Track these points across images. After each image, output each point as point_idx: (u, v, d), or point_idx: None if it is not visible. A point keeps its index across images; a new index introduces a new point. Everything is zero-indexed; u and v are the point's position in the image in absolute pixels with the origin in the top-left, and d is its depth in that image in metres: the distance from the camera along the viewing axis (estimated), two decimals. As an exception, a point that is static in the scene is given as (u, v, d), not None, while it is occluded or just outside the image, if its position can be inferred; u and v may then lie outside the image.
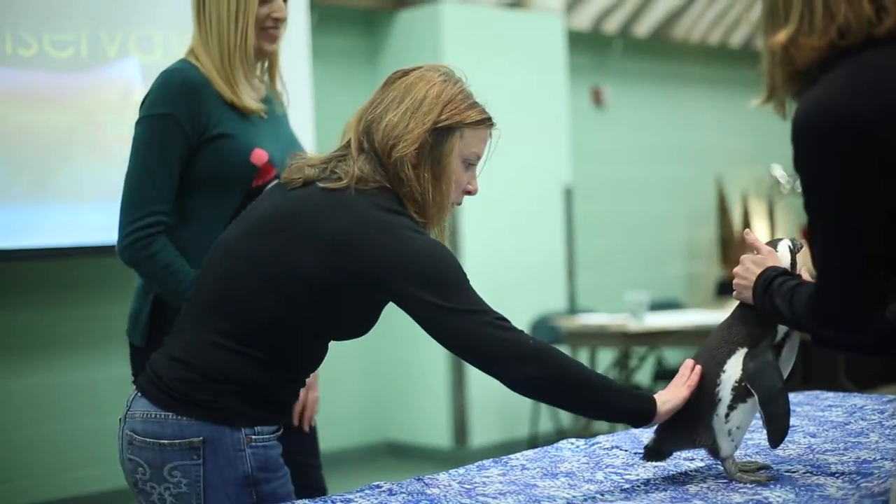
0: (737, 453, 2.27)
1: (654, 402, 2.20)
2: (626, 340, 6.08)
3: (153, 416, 2.19)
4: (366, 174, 2.21)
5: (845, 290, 1.85)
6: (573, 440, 2.67)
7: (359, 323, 2.29)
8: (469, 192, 2.35)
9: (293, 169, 2.29)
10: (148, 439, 2.19)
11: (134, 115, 2.79)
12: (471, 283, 2.18)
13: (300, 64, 5.74)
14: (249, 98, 2.79)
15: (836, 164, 1.79)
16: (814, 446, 2.46)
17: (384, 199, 2.20)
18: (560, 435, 6.31)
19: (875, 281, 1.83)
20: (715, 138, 9.09)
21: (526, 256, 6.98)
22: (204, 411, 2.17)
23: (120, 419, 2.28)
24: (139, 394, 2.24)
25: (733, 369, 2.16)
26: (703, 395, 2.19)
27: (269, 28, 2.81)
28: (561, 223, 7.23)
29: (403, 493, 2.21)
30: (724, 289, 8.50)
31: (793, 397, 3.00)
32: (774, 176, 9.15)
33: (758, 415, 2.17)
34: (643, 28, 8.25)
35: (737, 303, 2.24)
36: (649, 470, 2.35)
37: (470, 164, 2.31)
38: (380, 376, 6.78)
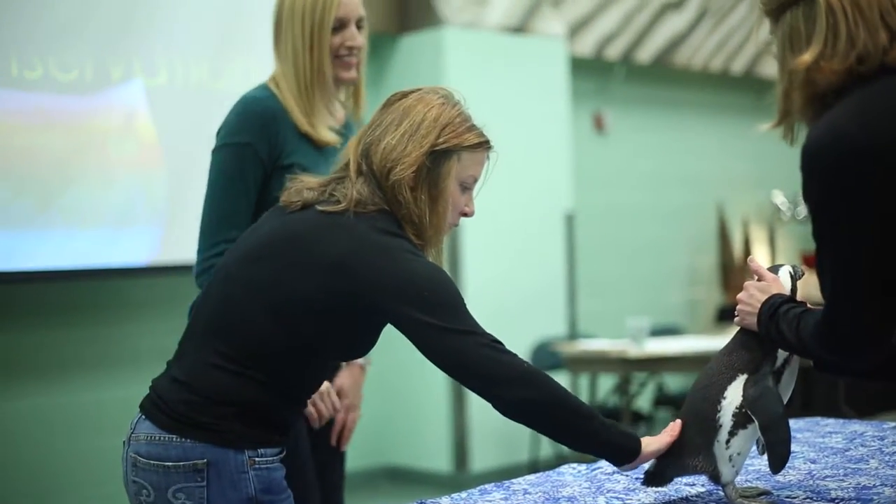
0: (737, 479, 2.27)
1: (639, 441, 2.21)
2: (627, 366, 6.08)
3: (157, 438, 2.20)
4: (364, 197, 2.22)
5: (855, 317, 1.86)
6: (574, 465, 2.67)
7: (359, 344, 2.30)
8: (465, 215, 2.35)
9: (292, 192, 2.30)
10: (152, 461, 2.19)
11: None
12: (467, 306, 2.19)
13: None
14: (325, 130, 2.80)
15: (846, 192, 1.81)
16: (814, 472, 2.47)
17: (383, 221, 2.21)
18: (560, 460, 6.30)
19: (884, 308, 1.84)
20: (716, 165, 9.12)
21: (527, 281, 6.99)
22: (207, 433, 2.18)
23: (124, 441, 2.28)
24: (143, 416, 2.25)
25: (734, 395, 2.17)
26: (704, 421, 2.19)
27: (344, 56, 2.82)
28: (562, 248, 7.24)
29: (406, 516, 2.21)
30: (725, 315, 8.51)
31: (793, 423, 3.00)
32: (775, 203, 9.18)
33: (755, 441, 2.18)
34: (645, 54, 8.28)
35: (736, 329, 2.25)
36: (650, 495, 2.36)
37: (466, 187, 2.32)
38: (380, 401, 6.78)
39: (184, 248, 5.36)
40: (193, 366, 2.23)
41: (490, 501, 2.36)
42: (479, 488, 2.46)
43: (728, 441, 2.16)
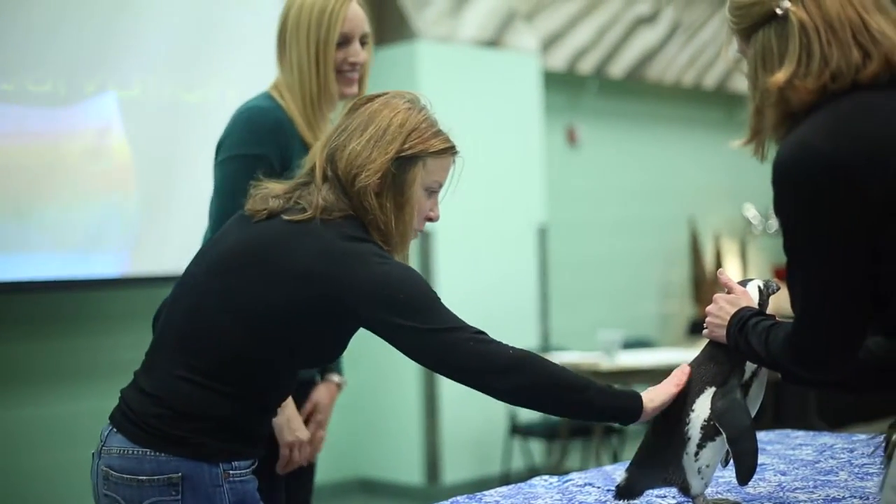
0: (707, 491, 2.29)
1: (640, 398, 2.20)
2: (599, 378, 6.07)
3: (130, 452, 2.18)
4: (330, 203, 2.21)
5: (825, 331, 1.87)
6: (546, 477, 2.68)
7: (331, 350, 2.30)
8: (431, 219, 2.34)
9: (257, 200, 2.28)
10: (125, 475, 2.18)
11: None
12: (442, 301, 2.19)
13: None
14: None
15: (817, 207, 1.82)
16: (784, 484, 2.48)
17: (350, 227, 2.20)
18: (532, 472, 6.31)
19: (854, 322, 1.86)
20: (688, 178, 9.16)
21: (500, 295, 7.00)
22: (181, 447, 2.16)
23: (94, 454, 2.26)
24: (114, 429, 2.23)
25: (702, 408, 2.18)
26: (673, 434, 2.21)
27: (347, 72, 2.81)
28: (534, 262, 7.26)
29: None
30: (697, 328, 8.54)
31: (763, 436, 3.02)
32: (747, 216, 9.22)
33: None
34: (618, 69, 8.31)
35: (706, 341, 2.26)
36: (621, 507, 2.37)
37: (432, 192, 2.31)
38: (352, 413, 6.77)
39: (159, 259, 5.36)
40: (163, 379, 2.21)
41: (462, 513, 2.37)
42: (450, 500, 2.46)
43: (697, 453, 2.18)
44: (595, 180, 8.45)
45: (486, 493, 2.54)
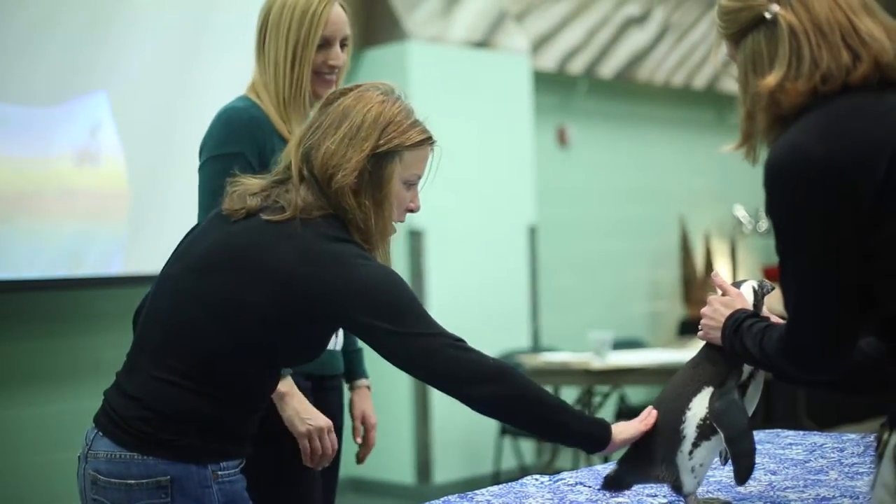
0: (699, 490, 2.30)
1: (609, 428, 2.22)
2: (590, 378, 6.10)
3: (118, 456, 2.17)
4: (309, 203, 2.20)
5: (819, 331, 1.88)
6: (537, 476, 2.68)
7: (312, 350, 2.29)
8: (411, 210, 2.32)
9: (234, 198, 2.27)
10: (113, 479, 2.17)
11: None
12: (423, 306, 2.19)
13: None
14: None
15: (809, 208, 1.83)
16: (774, 483, 2.49)
17: (330, 227, 2.20)
18: (523, 471, 6.32)
19: (848, 322, 1.87)
20: (678, 179, 9.17)
21: (490, 294, 7.01)
22: (169, 450, 2.16)
23: (80, 457, 2.25)
24: (99, 433, 2.22)
25: (699, 407, 2.19)
26: (668, 432, 2.22)
27: (325, 74, 2.79)
28: (525, 262, 7.26)
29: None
30: (687, 328, 8.56)
31: (754, 435, 3.03)
32: (737, 216, 9.23)
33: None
34: (608, 69, 8.32)
35: (701, 342, 2.27)
36: (613, 506, 2.38)
37: (411, 184, 2.29)
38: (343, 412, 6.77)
39: (152, 258, 5.35)
40: (145, 381, 2.20)
41: (454, 513, 2.37)
42: (442, 500, 2.47)
43: (691, 452, 2.19)
44: (585, 180, 8.46)
45: (477, 492, 2.54)
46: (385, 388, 6.74)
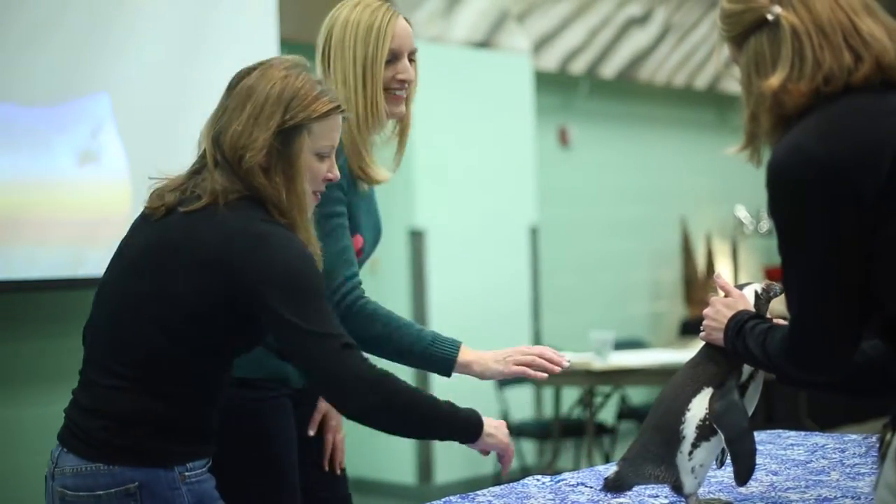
0: (700, 490, 2.29)
1: (480, 422, 2.33)
2: (591, 379, 6.10)
3: (84, 469, 2.16)
4: (225, 188, 2.19)
5: (822, 332, 1.88)
6: (539, 477, 2.68)
7: (253, 335, 2.28)
8: (330, 180, 2.31)
9: (153, 197, 2.27)
10: (81, 493, 2.16)
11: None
12: (325, 299, 2.20)
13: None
14: (377, 168, 2.67)
15: (811, 209, 1.83)
16: (776, 484, 2.49)
17: (247, 209, 2.19)
18: (524, 472, 6.32)
19: (851, 323, 1.87)
20: (679, 179, 9.17)
21: (491, 295, 7.01)
22: (133, 456, 2.15)
23: (46, 476, 2.24)
24: (64, 449, 2.21)
25: (698, 408, 2.19)
26: (668, 432, 2.21)
27: (395, 90, 2.66)
28: (526, 262, 7.26)
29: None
30: (688, 328, 8.56)
31: (755, 436, 3.02)
32: (738, 217, 9.23)
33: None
34: (609, 69, 8.32)
35: (702, 342, 2.27)
36: (614, 507, 2.38)
37: (324, 156, 2.27)
38: (345, 413, 6.77)
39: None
40: (98, 392, 2.20)
41: (455, 513, 2.37)
42: (443, 500, 2.47)
43: (691, 453, 2.19)
44: (587, 181, 8.46)
45: (478, 492, 2.54)
46: (386, 388, 6.75)
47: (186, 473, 2.20)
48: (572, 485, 2.59)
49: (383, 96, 2.63)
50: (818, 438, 3.04)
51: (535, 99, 7.50)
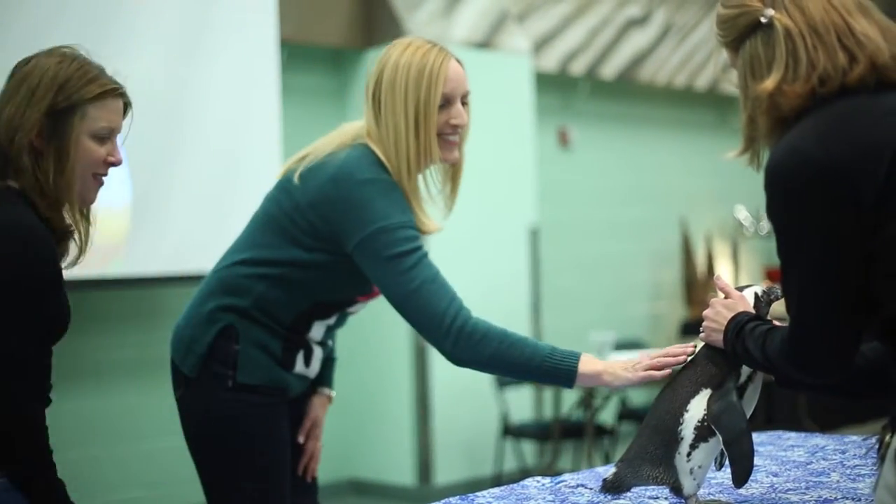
0: (700, 491, 2.29)
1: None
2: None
3: None
4: None
5: (821, 334, 1.88)
6: (538, 478, 2.68)
7: (52, 323, 2.31)
8: (113, 164, 2.32)
9: None
10: None
11: None
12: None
13: (269, 101, 5.77)
14: (429, 218, 2.65)
15: (809, 210, 1.83)
16: (776, 485, 2.49)
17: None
18: (524, 473, 6.31)
19: (850, 324, 1.87)
20: (679, 180, 9.17)
21: (491, 296, 7.00)
22: None
23: None
24: None
25: (696, 409, 2.19)
26: (666, 434, 2.21)
27: (448, 135, 2.61)
28: (526, 263, 7.26)
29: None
30: (688, 329, 8.55)
31: (756, 437, 3.02)
32: (738, 218, 9.23)
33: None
34: (609, 70, 8.32)
35: (702, 344, 2.27)
36: (614, 508, 2.37)
37: (104, 138, 2.28)
38: (344, 414, 6.77)
39: (148, 260, 5.35)
40: None
41: (455, 514, 2.37)
42: (442, 501, 2.47)
43: (689, 454, 2.18)
44: (587, 182, 8.46)
45: (478, 493, 2.54)
46: (386, 389, 6.75)
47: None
48: (572, 486, 2.59)
49: (436, 142, 2.58)
50: (818, 440, 3.04)
51: (535, 99, 7.50)
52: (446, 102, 2.59)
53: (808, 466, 2.69)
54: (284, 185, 2.62)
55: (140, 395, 5.68)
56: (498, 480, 6.45)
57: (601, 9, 8.28)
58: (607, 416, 7.23)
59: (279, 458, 2.67)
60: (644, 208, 8.88)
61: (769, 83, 1.92)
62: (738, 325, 2.12)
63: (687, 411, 2.20)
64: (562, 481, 2.64)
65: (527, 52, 7.39)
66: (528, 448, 7.08)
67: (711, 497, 2.39)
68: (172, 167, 5.40)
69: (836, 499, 2.32)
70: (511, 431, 6.67)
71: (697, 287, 8.87)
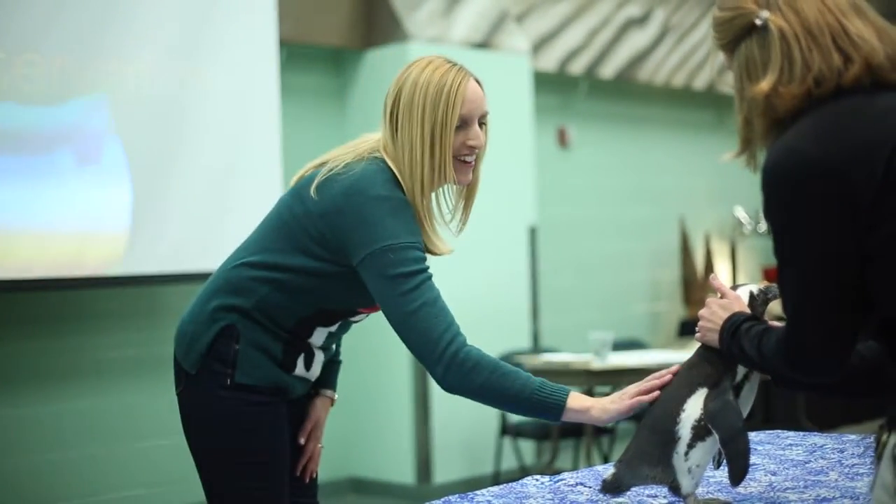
0: (698, 490, 2.30)
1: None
2: (590, 379, 6.11)
3: None
4: None
5: (818, 333, 1.88)
6: (538, 477, 2.69)
7: None
8: None
9: None
10: None
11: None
12: None
13: (269, 101, 5.77)
14: (441, 240, 2.65)
15: (806, 210, 1.84)
16: (774, 484, 2.49)
17: None
18: (524, 472, 6.32)
19: (847, 324, 1.87)
20: (678, 179, 9.17)
21: (491, 295, 7.01)
22: None
23: None
24: None
25: (693, 408, 2.20)
26: (664, 433, 2.22)
27: (465, 156, 2.61)
28: (525, 262, 7.27)
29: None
30: (687, 329, 8.56)
31: (754, 436, 3.04)
32: (737, 217, 9.24)
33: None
34: (608, 70, 8.33)
35: (699, 343, 2.27)
36: (613, 507, 2.38)
37: None
38: (344, 412, 6.78)
39: (149, 259, 5.36)
40: None
41: (454, 513, 2.38)
42: (442, 500, 2.47)
43: (687, 453, 2.19)
44: (586, 181, 8.46)
45: (477, 492, 2.55)
46: (385, 389, 6.75)
47: None
48: (571, 485, 2.59)
49: (452, 163, 2.57)
50: (817, 439, 3.05)
51: (534, 99, 7.50)
52: (464, 123, 2.59)
53: (807, 465, 2.70)
54: (298, 192, 2.62)
55: (140, 394, 5.69)
56: (497, 479, 6.46)
57: (600, 9, 8.28)
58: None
59: (278, 456, 2.68)
60: (643, 208, 8.89)
61: (765, 85, 1.93)
62: (734, 325, 2.13)
63: (684, 411, 2.20)
64: (561, 480, 2.65)
65: (526, 51, 7.39)
66: (528, 447, 7.09)
67: (710, 496, 2.40)
68: (172, 167, 5.41)
69: (834, 497, 2.33)
70: (510, 430, 6.67)
71: (696, 286, 8.87)
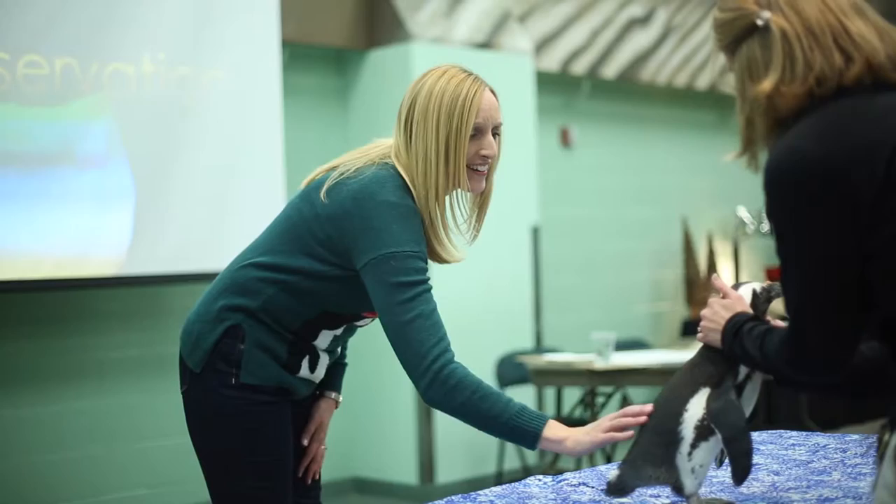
0: (701, 490, 2.30)
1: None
2: (592, 379, 6.11)
3: None
4: None
5: (820, 333, 1.88)
6: (540, 477, 2.69)
7: None
8: None
9: None
10: None
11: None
12: None
13: (271, 101, 5.78)
14: (454, 247, 2.66)
15: (808, 210, 1.84)
16: (777, 484, 2.49)
17: None
18: (526, 472, 6.32)
19: (849, 324, 1.87)
20: (681, 179, 9.17)
21: (493, 295, 7.01)
22: None
23: None
24: None
25: (696, 408, 2.19)
26: (667, 433, 2.22)
27: (478, 165, 2.60)
28: (528, 262, 7.27)
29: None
30: (690, 329, 8.55)
31: (757, 436, 3.04)
32: (739, 217, 9.23)
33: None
34: (611, 70, 8.33)
35: (701, 343, 2.27)
36: (615, 507, 2.38)
37: None
38: (347, 413, 6.78)
39: (151, 260, 5.36)
40: None
41: (457, 513, 2.38)
42: (445, 500, 2.47)
43: (690, 453, 2.19)
44: (588, 181, 8.46)
45: (480, 492, 2.55)
46: (388, 389, 6.75)
47: None
48: (574, 485, 2.59)
49: (465, 172, 2.58)
50: (819, 438, 3.05)
51: (537, 99, 7.50)
52: (478, 132, 2.58)
53: (810, 465, 2.70)
54: (308, 194, 2.63)
55: (141, 395, 5.69)
56: (499, 479, 6.46)
57: (603, 9, 8.28)
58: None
59: (281, 456, 2.68)
60: (645, 208, 8.89)
61: (766, 85, 1.93)
62: (736, 325, 2.13)
63: (686, 411, 2.20)
64: (563, 480, 2.65)
65: (528, 52, 7.39)
66: (530, 447, 7.08)
67: (713, 496, 2.40)
68: (174, 167, 5.41)
69: (837, 497, 2.33)
70: (513, 431, 6.65)
71: (699, 286, 8.87)
